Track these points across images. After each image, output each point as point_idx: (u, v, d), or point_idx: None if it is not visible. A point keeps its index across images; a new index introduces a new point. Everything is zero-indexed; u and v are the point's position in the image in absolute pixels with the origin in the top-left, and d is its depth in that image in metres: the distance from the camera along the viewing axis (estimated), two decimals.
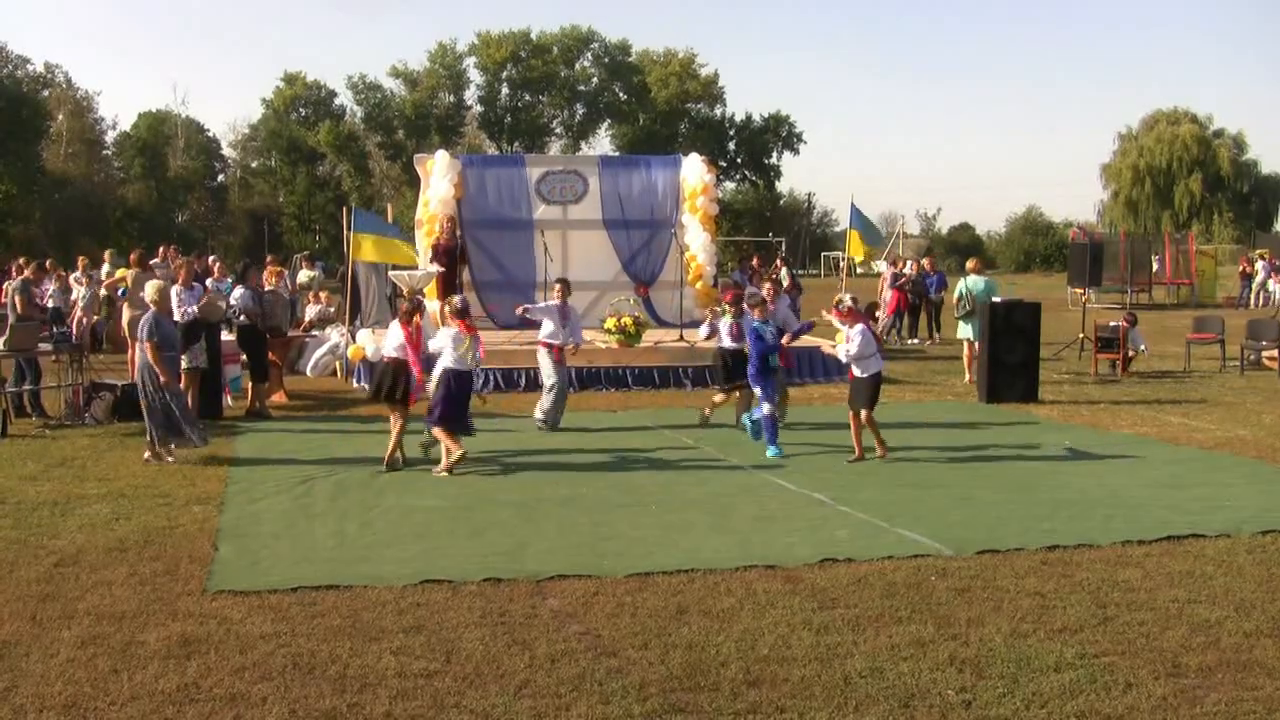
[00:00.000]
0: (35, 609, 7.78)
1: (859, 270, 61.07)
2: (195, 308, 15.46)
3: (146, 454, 13.18)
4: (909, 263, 32.45)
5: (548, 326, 15.49)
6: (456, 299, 13.40)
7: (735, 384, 14.77)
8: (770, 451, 13.45)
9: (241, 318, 16.87)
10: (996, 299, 19.40)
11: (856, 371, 13.16)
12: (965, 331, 20.80)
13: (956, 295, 21.27)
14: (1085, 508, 10.83)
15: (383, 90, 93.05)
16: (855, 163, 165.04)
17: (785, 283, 30.61)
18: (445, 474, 12.44)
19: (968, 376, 20.55)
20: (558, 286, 15.82)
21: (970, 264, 22.15)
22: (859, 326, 13.10)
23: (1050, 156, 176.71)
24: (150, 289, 13.69)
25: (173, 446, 13.20)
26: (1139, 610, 7.72)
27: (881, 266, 33.93)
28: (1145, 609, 7.75)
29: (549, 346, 15.39)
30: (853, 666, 6.69)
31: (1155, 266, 44.34)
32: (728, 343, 14.83)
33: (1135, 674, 6.58)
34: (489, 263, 23.58)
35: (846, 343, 13.12)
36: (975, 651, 6.94)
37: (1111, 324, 22.35)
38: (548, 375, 15.45)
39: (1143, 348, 22.20)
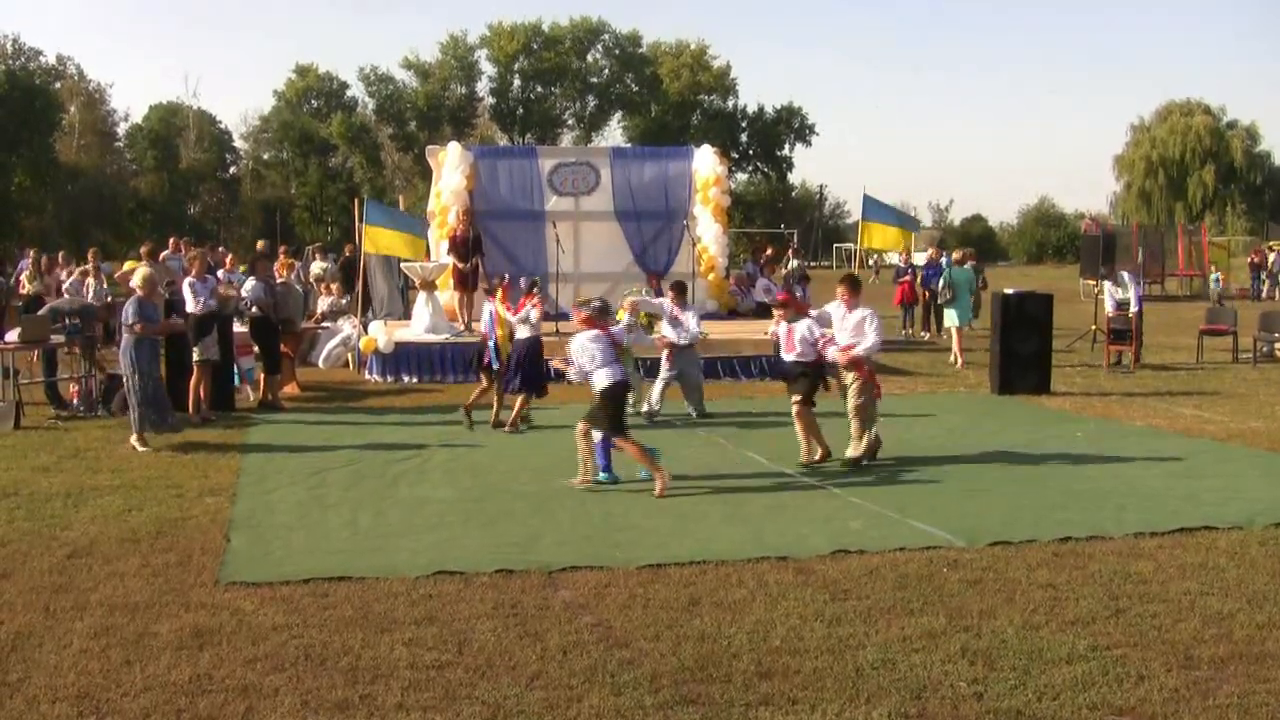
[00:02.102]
0: (48, 600, 7.80)
1: (872, 262, 61.03)
2: (214, 299, 15.60)
3: (134, 441, 13.27)
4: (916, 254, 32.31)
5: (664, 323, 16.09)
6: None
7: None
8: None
9: (254, 309, 16.90)
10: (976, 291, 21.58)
11: (592, 384, 11.38)
12: (951, 319, 22.86)
13: (942, 284, 23.24)
14: (1097, 499, 10.80)
15: (395, 82, 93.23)
16: (867, 155, 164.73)
17: (795, 269, 30.65)
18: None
19: (958, 362, 21.87)
20: (671, 292, 16.35)
21: (956, 255, 24.25)
22: (590, 332, 11.42)
23: (1063, 148, 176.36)
24: (137, 277, 13.85)
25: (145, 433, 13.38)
26: (1151, 602, 7.70)
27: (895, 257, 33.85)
28: (1158, 601, 7.73)
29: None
30: (865, 658, 6.69)
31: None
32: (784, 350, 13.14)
33: (1147, 666, 6.56)
34: (501, 254, 23.60)
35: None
36: (987, 643, 6.93)
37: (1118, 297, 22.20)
38: (661, 368, 16.08)
39: (1136, 292, 22.06)
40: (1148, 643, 6.94)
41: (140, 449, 13.15)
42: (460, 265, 20.99)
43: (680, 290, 16.30)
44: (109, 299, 18.92)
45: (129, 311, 13.38)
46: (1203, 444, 13.87)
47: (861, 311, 12.47)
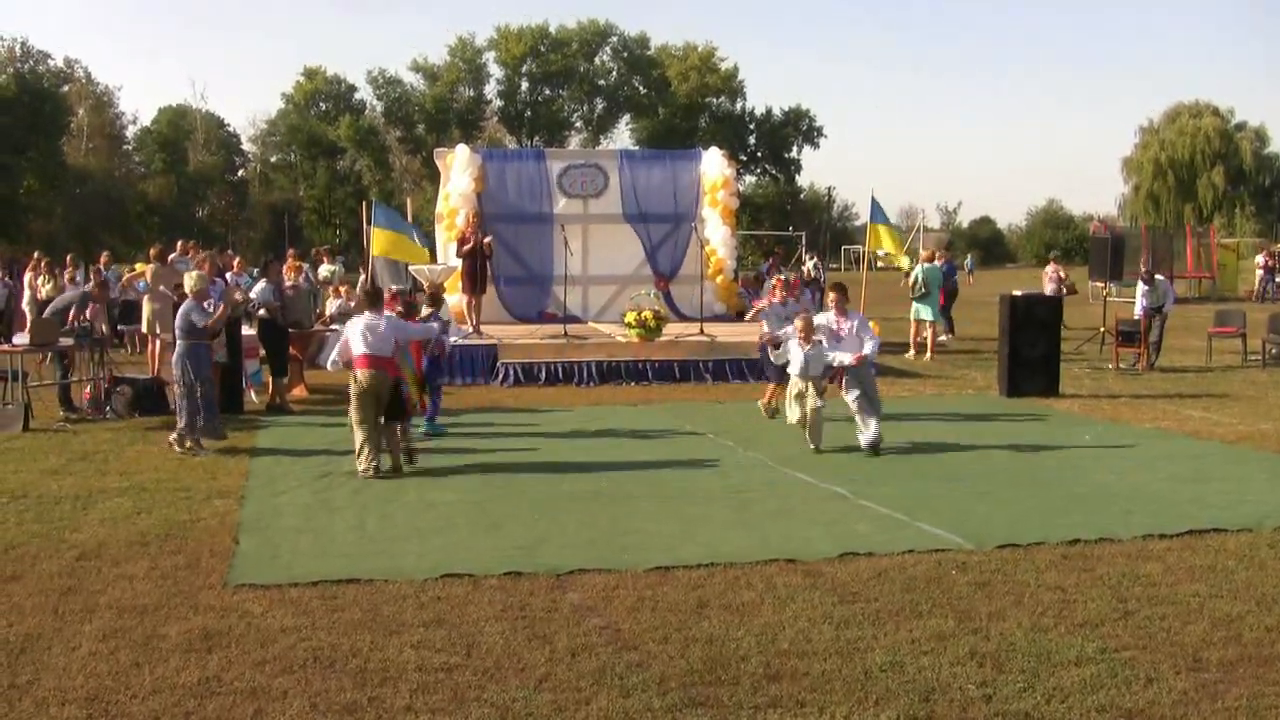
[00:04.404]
0: (57, 602, 7.82)
1: (879, 264, 60.95)
2: (221, 302, 15.64)
3: (173, 442, 13.25)
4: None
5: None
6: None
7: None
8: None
9: (262, 312, 16.91)
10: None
11: None
12: (921, 313, 24.03)
13: (912, 280, 24.40)
14: (1106, 502, 10.79)
15: (403, 85, 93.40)
16: (875, 156, 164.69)
17: (809, 275, 30.65)
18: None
19: (919, 353, 23.68)
20: (834, 295, 15.04)
21: (924, 254, 25.37)
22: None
23: (1071, 149, 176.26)
24: (192, 279, 13.87)
25: (200, 438, 13.34)
26: (1160, 605, 7.69)
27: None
28: (1166, 603, 7.72)
29: None
30: (873, 660, 6.68)
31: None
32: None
33: (1156, 668, 6.55)
34: (509, 257, 23.62)
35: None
36: (995, 646, 6.92)
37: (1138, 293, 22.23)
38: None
39: (1167, 308, 22.14)
40: (1156, 645, 6.93)
41: (182, 453, 13.14)
42: (478, 246, 21.01)
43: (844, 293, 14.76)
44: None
45: (190, 318, 13.31)
46: (1211, 446, 13.85)
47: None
